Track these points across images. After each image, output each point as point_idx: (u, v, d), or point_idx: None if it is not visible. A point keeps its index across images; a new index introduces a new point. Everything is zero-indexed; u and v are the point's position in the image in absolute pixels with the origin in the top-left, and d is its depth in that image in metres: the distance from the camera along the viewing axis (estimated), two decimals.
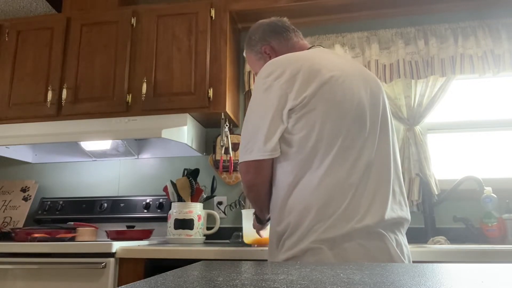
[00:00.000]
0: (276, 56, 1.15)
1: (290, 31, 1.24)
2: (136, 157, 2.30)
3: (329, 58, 1.07)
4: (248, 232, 1.55)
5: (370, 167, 0.99)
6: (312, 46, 1.21)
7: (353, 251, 0.92)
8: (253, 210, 1.39)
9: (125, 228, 1.92)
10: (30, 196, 2.30)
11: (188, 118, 1.97)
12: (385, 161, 1.03)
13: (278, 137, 0.98)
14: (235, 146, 2.14)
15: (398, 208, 1.02)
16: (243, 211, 1.60)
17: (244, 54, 1.33)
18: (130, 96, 2.01)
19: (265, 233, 1.34)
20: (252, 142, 1.01)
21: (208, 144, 2.26)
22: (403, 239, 1.02)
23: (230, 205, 2.11)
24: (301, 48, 1.21)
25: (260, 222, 1.25)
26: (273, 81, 1.00)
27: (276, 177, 1.04)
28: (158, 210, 2.11)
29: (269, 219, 1.22)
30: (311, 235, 0.93)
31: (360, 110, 1.01)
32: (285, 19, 1.28)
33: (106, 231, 1.86)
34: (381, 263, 0.91)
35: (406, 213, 1.04)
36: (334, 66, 1.04)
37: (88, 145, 2.20)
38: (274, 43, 1.23)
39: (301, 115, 0.98)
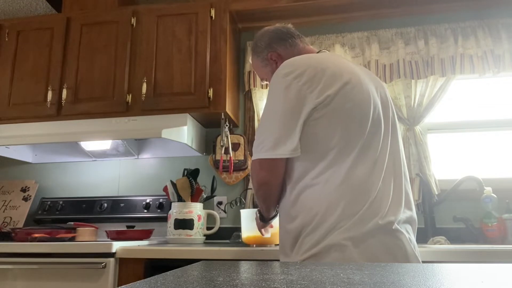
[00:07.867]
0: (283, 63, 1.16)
1: (295, 37, 1.25)
2: (136, 157, 2.30)
3: (343, 62, 1.09)
4: (247, 232, 1.55)
5: (387, 166, 1.02)
6: (320, 51, 1.22)
7: (376, 248, 0.93)
8: (253, 210, 1.38)
9: (125, 228, 1.92)
10: (30, 196, 2.30)
11: (188, 118, 1.97)
12: (397, 161, 1.07)
13: (298, 136, 0.98)
14: (235, 146, 2.14)
15: (409, 208, 1.05)
16: (242, 211, 1.59)
17: (250, 60, 1.33)
18: (130, 96, 2.01)
19: (267, 233, 1.33)
20: (270, 140, 0.99)
21: (208, 144, 2.26)
22: (414, 239, 1.04)
23: (231, 203, 2.10)
24: (309, 53, 1.21)
25: (263, 220, 1.23)
26: (292, 80, 1.00)
27: (293, 172, 1.02)
28: (158, 210, 2.11)
29: (273, 218, 1.22)
30: (336, 231, 0.93)
31: (376, 112, 1.04)
32: (290, 25, 1.29)
33: (106, 231, 1.86)
34: (395, 261, 0.93)
35: (415, 213, 1.07)
36: (350, 68, 1.06)
37: (88, 145, 2.20)
38: (280, 50, 1.24)
39: (323, 114, 0.98)
